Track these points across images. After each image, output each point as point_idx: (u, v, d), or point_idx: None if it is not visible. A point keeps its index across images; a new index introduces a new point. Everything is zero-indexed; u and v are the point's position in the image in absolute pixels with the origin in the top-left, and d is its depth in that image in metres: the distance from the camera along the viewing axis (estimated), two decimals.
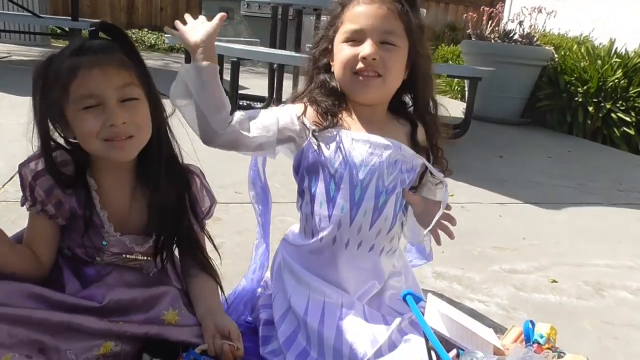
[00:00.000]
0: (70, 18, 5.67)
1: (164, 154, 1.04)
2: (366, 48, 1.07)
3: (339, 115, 1.11)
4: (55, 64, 0.96)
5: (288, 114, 1.12)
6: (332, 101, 1.12)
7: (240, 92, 3.66)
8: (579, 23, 6.00)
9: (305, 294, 1.10)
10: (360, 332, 1.04)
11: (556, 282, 1.72)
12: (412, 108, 1.20)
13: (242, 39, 5.72)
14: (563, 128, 4.70)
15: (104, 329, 0.95)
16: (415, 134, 1.15)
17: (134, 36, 7.72)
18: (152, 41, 8.07)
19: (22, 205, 1.02)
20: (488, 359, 0.79)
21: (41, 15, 6.27)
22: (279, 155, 1.17)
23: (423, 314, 0.82)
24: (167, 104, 1.07)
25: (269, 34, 4.00)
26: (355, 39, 1.09)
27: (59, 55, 0.97)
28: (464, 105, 4.61)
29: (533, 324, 0.94)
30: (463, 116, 3.84)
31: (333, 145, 1.09)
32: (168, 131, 1.06)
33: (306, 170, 1.12)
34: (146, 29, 8.75)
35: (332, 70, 1.15)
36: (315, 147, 1.09)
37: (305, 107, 1.13)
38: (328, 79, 1.15)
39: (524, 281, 1.71)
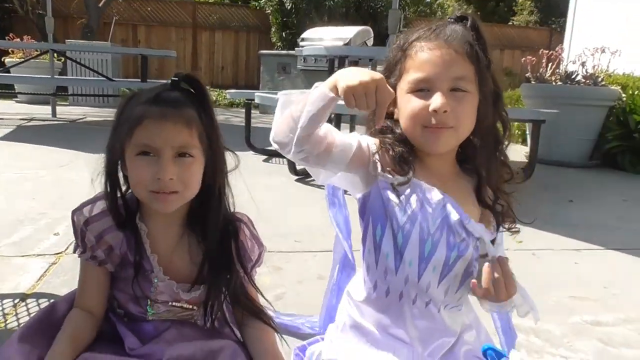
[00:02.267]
0: (139, 80, 6.04)
1: (217, 208, 1.03)
2: (436, 101, 1.00)
3: (413, 165, 1.06)
4: (131, 104, 0.99)
5: (364, 146, 1.07)
6: (406, 148, 1.06)
7: None
8: None
9: (373, 352, 1.03)
10: None
11: None
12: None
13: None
14: (636, 169, 4.45)
15: None
16: (481, 189, 1.09)
17: None
18: (214, 97, 8.45)
19: (75, 252, 1.04)
20: None
21: (114, 79, 6.71)
22: None
23: None
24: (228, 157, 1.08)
25: None
26: (423, 88, 1.02)
27: (137, 97, 1.00)
28: (526, 149, 4.49)
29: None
30: (526, 160, 3.72)
31: (405, 195, 1.04)
32: (225, 185, 1.05)
33: (372, 215, 1.07)
34: (208, 86, 9.20)
35: (394, 117, 1.11)
36: (387, 196, 1.04)
37: (379, 148, 1.08)
38: (392, 127, 1.10)
39: (610, 335, 1.57)
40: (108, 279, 1.05)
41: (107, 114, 6.47)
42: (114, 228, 1.02)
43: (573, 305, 1.76)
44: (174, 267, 1.04)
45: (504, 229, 1.10)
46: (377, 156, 1.06)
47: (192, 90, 1.01)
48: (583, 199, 3.37)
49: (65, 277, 1.76)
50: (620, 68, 5.19)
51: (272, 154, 4.14)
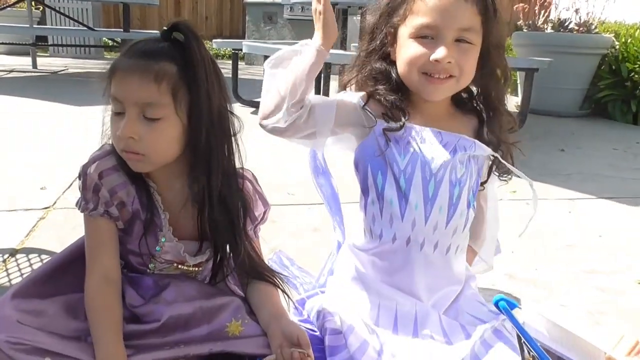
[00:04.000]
0: (122, 30, 5.84)
1: (213, 169, 0.96)
2: (440, 52, 0.96)
3: (407, 111, 1.03)
4: (120, 53, 0.94)
5: (350, 101, 1.05)
6: (399, 96, 1.04)
7: None
8: (637, 10, 5.68)
9: (376, 303, 1.03)
10: (437, 347, 0.96)
11: None
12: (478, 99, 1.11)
13: (287, 41, 5.71)
14: (627, 118, 4.44)
15: (168, 358, 0.92)
16: (482, 130, 1.07)
17: None
18: None
19: (82, 209, 0.97)
20: None
21: (95, 29, 6.47)
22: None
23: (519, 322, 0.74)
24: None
25: (312, 35, 3.97)
26: (427, 35, 0.98)
27: (126, 46, 0.94)
28: (517, 99, 4.44)
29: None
30: (517, 110, 3.68)
31: (402, 139, 1.02)
32: (224, 144, 0.98)
33: (371, 165, 1.04)
34: None
35: (391, 58, 1.07)
36: (385, 142, 1.01)
37: (368, 98, 1.06)
38: (388, 69, 1.07)
39: (607, 282, 1.58)
40: (117, 236, 1.00)
41: (89, 65, 6.28)
42: (125, 183, 0.96)
43: (569, 254, 1.77)
44: (181, 226, 1.00)
45: (497, 174, 1.10)
46: (367, 107, 1.04)
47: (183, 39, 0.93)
48: (574, 148, 3.37)
49: (54, 232, 1.72)
50: (611, 16, 5.11)
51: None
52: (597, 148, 3.45)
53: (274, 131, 1.02)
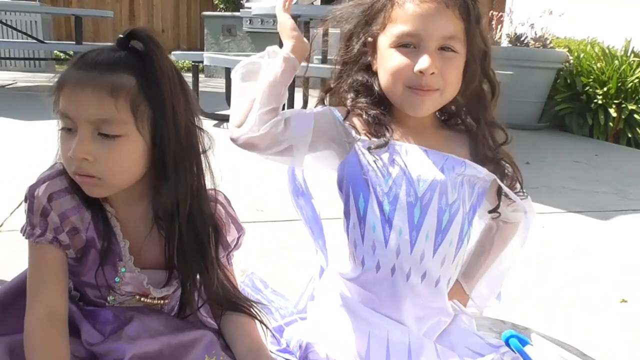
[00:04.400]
0: (74, 42, 5.63)
1: (177, 192, 0.85)
2: (423, 61, 0.90)
3: (390, 127, 0.96)
4: (68, 65, 0.83)
5: (328, 115, 0.98)
6: (381, 110, 0.97)
7: None
8: (585, 26, 5.88)
9: (365, 331, 0.94)
10: None
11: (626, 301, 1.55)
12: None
13: (248, 53, 5.63)
14: (583, 131, 4.55)
15: None
16: (477, 147, 0.99)
17: None
18: None
19: (27, 235, 0.84)
20: None
21: (45, 41, 6.22)
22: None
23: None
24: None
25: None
26: (409, 43, 0.92)
27: (76, 57, 0.83)
28: None
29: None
30: None
31: (385, 158, 0.94)
32: (191, 164, 0.87)
33: (352, 186, 0.96)
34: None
35: (373, 69, 1.00)
36: (367, 162, 0.94)
37: (348, 112, 0.99)
38: (370, 81, 1.00)
39: (578, 298, 1.55)
40: (67, 268, 0.87)
41: (39, 78, 6.00)
42: (78, 207, 0.85)
43: (546, 272, 1.74)
44: (144, 254, 0.89)
45: (514, 191, 1.01)
46: (347, 123, 0.97)
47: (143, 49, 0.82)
48: (538, 161, 3.40)
49: (1, 254, 1.58)
50: (560, 32, 5.26)
51: (221, 119, 3.95)
52: (559, 160, 3.50)
53: (247, 144, 0.93)
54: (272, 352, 1.02)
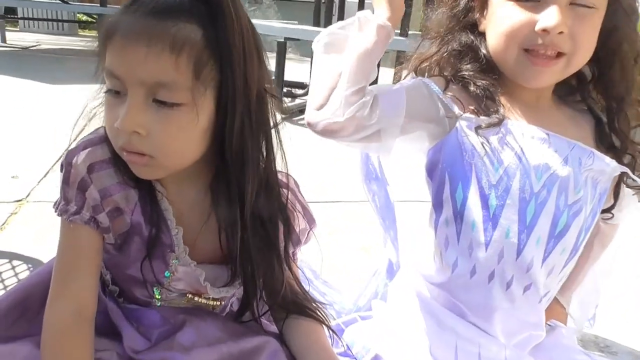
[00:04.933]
0: (98, 5, 5.51)
1: (255, 178, 0.71)
2: (550, 17, 0.73)
3: (500, 100, 0.80)
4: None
5: (422, 89, 0.82)
6: (490, 80, 0.81)
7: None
8: None
9: (452, 343, 0.81)
10: None
11: None
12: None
13: (275, 21, 5.45)
14: None
15: None
16: (604, 131, 0.83)
17: None
18: None
19: (59, 212, 0.70)
20: None
21: (68, 2, 6.10)
22: None
23: None
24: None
25: (299, 18, 3.77)
26: None
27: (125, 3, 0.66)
28: None
29: None
30: None
31: (496, 142, 0.78)
32: (262, 142, 0.72)
33: (450, 173, 0.81)
34: None
35: (479, 29, 0.84)
36: (472, 145, 0.79)
37: (447, 82, 0.83)
38: (476, 43, 0.83)
39: None
40: (102, 255, 0.73)
41: (63, 42, 5.92)
42: (123, 184, 0.69)
43: None
44: (198, 247, 0.74)
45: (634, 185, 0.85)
46: (448, 95, 0.81)
47: None
48: None
49: (28, 230, 1.48)
50: None
51: None
52: None
53: (327, 131, 0.77)
54: None
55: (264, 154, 0.72)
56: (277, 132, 0.74)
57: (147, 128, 0.62)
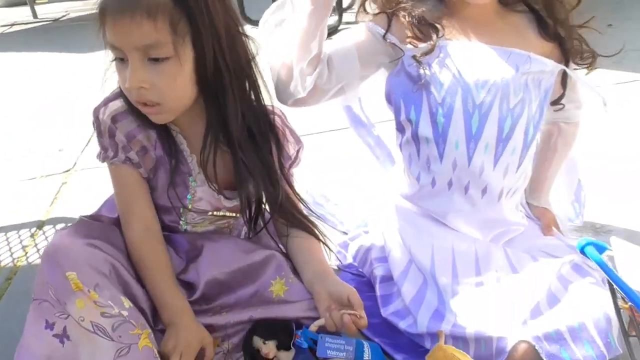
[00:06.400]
0: None
1: (238, 106, 0.85)
2: None
3: (441, 23, 0.84)
4: None
5: (369, 36, 0.87)
6: (429, 6, 0.85)
7: None
8: None
9: (429, 244, 0.90)
10: (506, 285, 0.83)
11: None
12: None
13: None
14: None
15: (207, 324, 0.86)
16: (543, 22, 0.86)
17: None
18: None
19: (102, 159, 0.89)
20: None
21: None
22: None
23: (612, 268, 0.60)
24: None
25: None
26: None
27: None
28: None
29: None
30: None
31: (436, 64, 0.84)
32: (243, 75, 0.85)
33: (403, 98, 0.87)
34: None
35: None
36: (415, 73, 0.84)
37: (389, 19, 0.87)
38: None
39: None
40: (147, 184, 0.91)
41: (89, 7, 5.96)
42: (143, 126, 0.87)
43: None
44: (209, 172, 0.89)
45: (579, 66, 0.89)
46: (389, 35, 0.87)
47: None
48: (623, 21, 3.03)
49: (79, 197, 1.65)
50: None
51: None
52: None
53: (297, 104, 0.87)
54: (337, 269, 1.02)
55: (247, 85, 0.85)
56: (257, 67, 0.86)
57: (149, 82, 0.78)
